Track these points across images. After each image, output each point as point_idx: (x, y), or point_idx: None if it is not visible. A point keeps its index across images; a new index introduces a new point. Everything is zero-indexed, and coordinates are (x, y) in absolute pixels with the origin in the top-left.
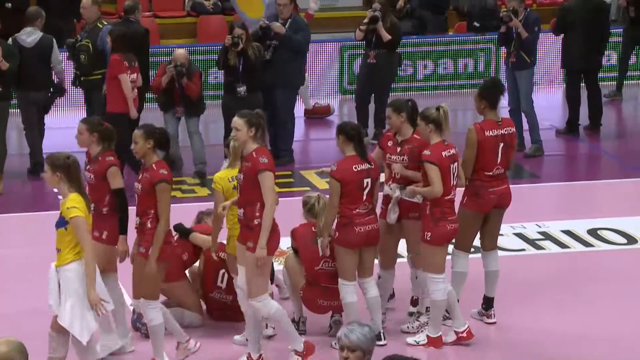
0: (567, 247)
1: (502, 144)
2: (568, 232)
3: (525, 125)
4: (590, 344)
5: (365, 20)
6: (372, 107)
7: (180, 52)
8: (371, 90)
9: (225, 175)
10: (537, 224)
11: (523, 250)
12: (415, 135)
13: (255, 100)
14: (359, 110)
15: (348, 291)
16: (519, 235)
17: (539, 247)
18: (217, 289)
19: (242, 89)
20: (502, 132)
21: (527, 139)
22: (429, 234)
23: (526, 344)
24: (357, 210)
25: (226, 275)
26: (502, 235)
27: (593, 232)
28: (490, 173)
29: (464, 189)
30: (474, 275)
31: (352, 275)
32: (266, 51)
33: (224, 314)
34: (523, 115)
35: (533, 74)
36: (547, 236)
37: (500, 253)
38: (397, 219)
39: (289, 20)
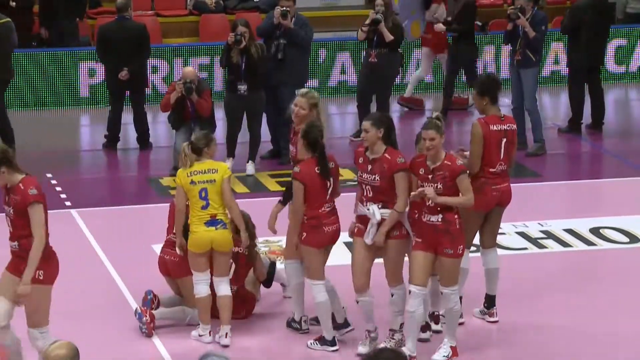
0: (570, 245)
1: (504, 140)
2: (570, 231)
3: (528, 124)
4: (593, 342)
5: (367, 22)
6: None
7: (189, 69)
8: (373, 90)
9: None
10: (539, 223)
11: (525, 249)
12: (386, 155)
13: (257, 98)
14: (360, 110)
15: (319, 290)
16: (521, 234)
17: (541, 246)
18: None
19: (243, 87)
20: (505, 127)
21: (530, 137)
22: (461, 247)
23: (528, 343)
24: (322, 209)
25: (233, 266)
26: (504, 234)
27: (595, 231)
28: (494, 169)
29: None
30: (475, 274)
31: (322, 275)
32: (278, 51)
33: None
34: (526, 113)
35: (538, 72)
36: (549, 235)
37: (502, 252)
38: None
39: (293, 18)
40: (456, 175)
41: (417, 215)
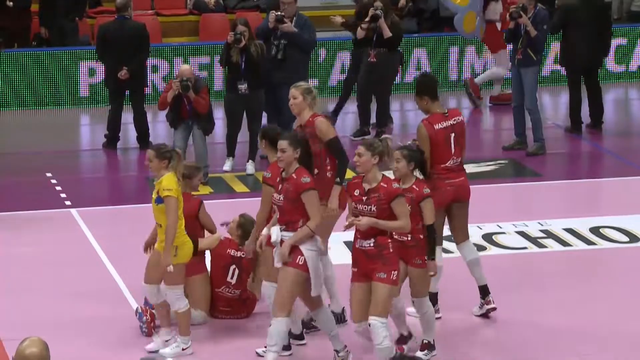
0: (570, 245)
1: (452, 135)
2: (570, 231)
3: (529, 123)
4: (592, 341)
5: (367, 19)
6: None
7: (186, 67)
8: (372, 89)
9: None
10: (539, 222)
11: (525, 248)
12: (293, 175)
13: (257, 97)
14: (360, 109)
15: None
16: (521, 234)
17: (541, 245)
18: (226, 284)
19: (243, 86)
20: (451, 122)
21: (530, 136)
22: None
23: (527, 342)
24: None
25: (237, 271)
26: (504, 233)
27: (595, 231)
28: (446, 165)
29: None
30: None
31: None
32: (277, 51)
33: (228, 310)
34: (527, 112)
35: (539, 71)
36: (549, 234)
37: (502, 251)
38: None
39: (294, 18)
40: (391, 198)
41: (353, 242)
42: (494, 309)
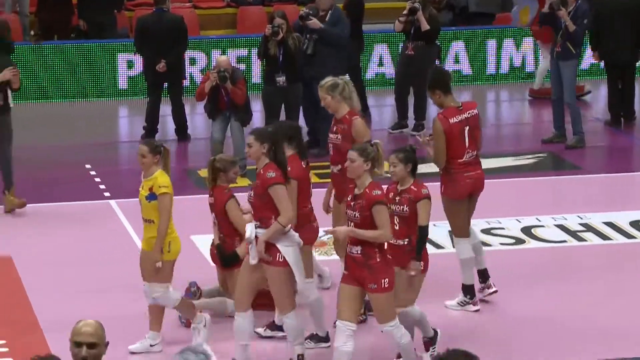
0: (609, 238)
1: (467, 128)
2: (610, 224)
3: (568, 117)
4: (633, 336)
5: (405, 12)
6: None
7: (223, 58)
8: (410, 83)
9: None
10: (578, 216)
11: (564, 241)
12: (261, 170)
13: (295, 90)
14: (398, 102)
15: (311, 288)
16: (561, 227)
17: (580, 239)
18: None
19: (281, 79)
20: (465, 116)
21: (570, 130)
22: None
23: (566, 334)
24: (310, 206)
25: None
26: (543, 226)
27: (635, 224)
28: (462, 160)
29: (440, 180)
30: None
31: (311, 274)
32: (307, 45)
33: (260, 300)
34: (566, 106)
35: (577, 65)
36: (588, 228)
37: (541, 244)
38: None
39: (329, 12)
40: (370, 205)
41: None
42: (495, 291)
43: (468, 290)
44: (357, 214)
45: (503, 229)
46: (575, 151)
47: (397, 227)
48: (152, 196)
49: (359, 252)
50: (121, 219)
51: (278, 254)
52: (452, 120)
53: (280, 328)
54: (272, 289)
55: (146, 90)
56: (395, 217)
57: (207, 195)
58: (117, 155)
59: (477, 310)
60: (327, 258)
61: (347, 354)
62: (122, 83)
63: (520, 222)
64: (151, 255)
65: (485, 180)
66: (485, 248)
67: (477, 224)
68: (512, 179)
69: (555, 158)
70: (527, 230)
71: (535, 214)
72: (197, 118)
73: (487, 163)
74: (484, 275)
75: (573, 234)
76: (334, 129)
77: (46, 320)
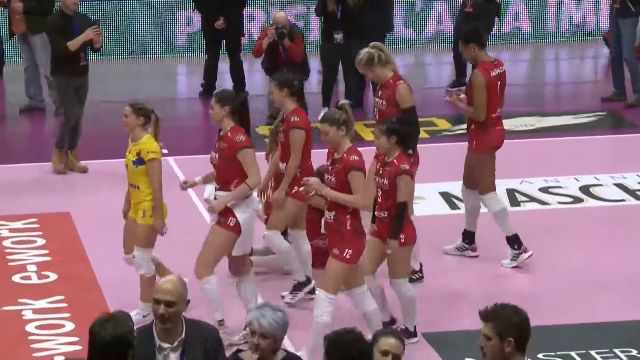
0: None
1: (499, 83)
2: None
3: (628, 75)
4: None
5: None
6: None
7: (281, 14)
8: None
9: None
10: (637, 174)
11: (623, 200)
12: (229, 134)
13: (353, 47)
14: (456, 60)
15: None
16: (619, 186)
17: (639, 198)
18: (321, 236)
19: (338, 36)
20: (499, 71)
21: (629, 88)
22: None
23: (624, 294)
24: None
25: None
26: (601, 185)
27: None
28: (495, 114)
29: (469, 135)
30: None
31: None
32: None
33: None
34: (625, 64)
35: (637, 23)
36: None
37: (599, 203)
38: None
39: None
40: (346, 170)
41: None
42: (476, 256)
43: (513, 240)
44: (333, 179)
45: (561, 187)
46: (635, 109)
47: (379, 200)
48: (139, 161)
49: (332, 217)
50: (179, 175)
51: (231, 218)
52: (492, 73)
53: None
54: (207, 245)
55: (204, 48)
56: (378, 190)
57: (264, 152)
58: (175, 112)
59: (530, 256)
60: None
61: (325, 326)
62: (180, 40)
63: (578, 180)
64: (154, 223)
65: (544, 139)
66: (542, 207)
67: (535, 182)
68: (571, 138)
69: (614, 116)
70: (585, 189)
71: (594, 172)
72: (255, 75)
73: (546, 121)
74: (470, 237)
75: (632, 192)
76: (379, 93)
77: (104, 278)
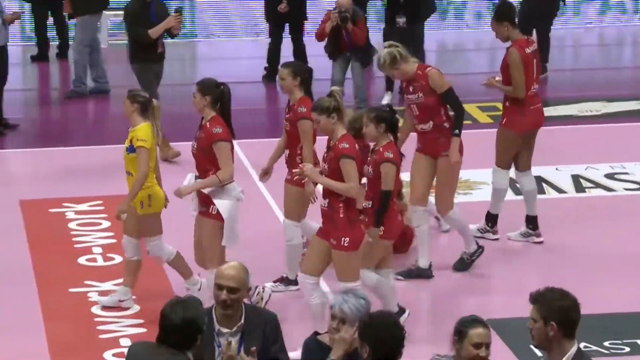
0: None
1: (534, 60)
2: None
3: None
4: None
5: None
6: None
7: None
8: (532, 24)
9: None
10: None
11: None
12: (207, 124)
13: (416, 31)
14: None
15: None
16: None
17: None
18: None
19: (401, 20)
20: (532, 48)
21: None
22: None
23: None
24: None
25: None
26: None
27: None
28: (530, 92)
29: (503, 112)
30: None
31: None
32: None
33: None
34: None
35: None
36: None
37: None
38: None
39: None
40: (338, 157)
41: None
42: (541, 242)
43: (492, 218)
44: (326, 166)
45: (627, 174)
46: None
47: (365, 189)
48: (131, 148)
49: (325, 205)
50: (242, 158)
51: (212, 207)
52: (527, 50)
53: (292, 283)
54: (203, 241)
55: (268, 31)
56: (364, 178)
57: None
58: (239, 95)
59: (496, 239)
60: None
61: (318, 306)
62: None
63: None
64: (119, 206)
65: (609, 125)
66: (608, 193)
67: (601, 169)
68: (637, 124)
69: None
70: None
71: None
72: (318, 59)
73: (612, 107)
74: (533, 222)
75: None
76: (410, 89)
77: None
